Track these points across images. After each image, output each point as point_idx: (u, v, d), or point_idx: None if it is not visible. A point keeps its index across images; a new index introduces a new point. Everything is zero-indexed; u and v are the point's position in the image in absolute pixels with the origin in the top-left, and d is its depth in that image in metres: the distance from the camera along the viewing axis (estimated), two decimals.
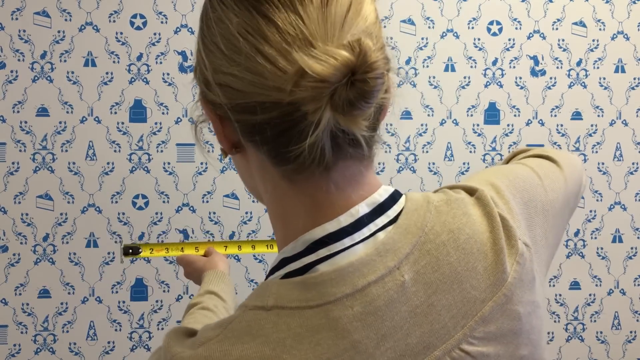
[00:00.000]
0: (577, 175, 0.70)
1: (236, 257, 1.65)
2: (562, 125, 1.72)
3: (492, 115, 1.70)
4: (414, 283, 0.51)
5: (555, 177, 0.65)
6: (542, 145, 1.72)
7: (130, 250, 1.15)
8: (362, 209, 0.53)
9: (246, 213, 1.64)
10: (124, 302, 1.62)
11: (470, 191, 0.57)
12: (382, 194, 0.54)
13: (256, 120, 0.49)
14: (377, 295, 0.50)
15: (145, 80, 1.60)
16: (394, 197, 0.55)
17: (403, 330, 0.50)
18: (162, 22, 1.60)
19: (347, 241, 0.51)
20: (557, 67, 1.71)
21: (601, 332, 1.77)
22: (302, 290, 0.50)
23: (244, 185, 0.61)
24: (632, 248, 1.77)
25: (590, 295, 1.76)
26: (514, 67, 1.69)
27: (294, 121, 0.48)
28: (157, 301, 1.63)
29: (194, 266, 1.10)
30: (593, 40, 1.72)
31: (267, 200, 0.56)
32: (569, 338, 1.76)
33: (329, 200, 0.52)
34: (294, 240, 0.53)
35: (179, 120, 1.61)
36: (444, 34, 1.67)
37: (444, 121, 1.68)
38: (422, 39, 1.67)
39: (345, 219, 0.52)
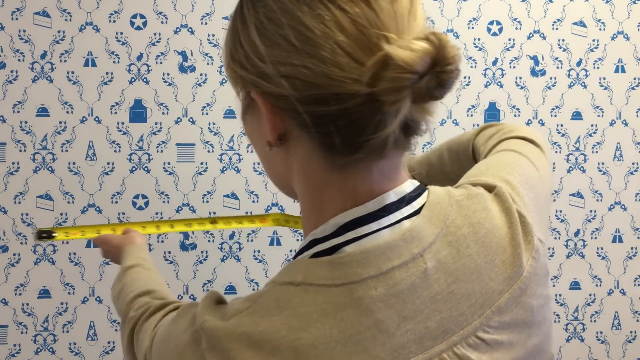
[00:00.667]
0: (550, 156, 0.73)
1: (236, 257, 1.65)
2: (562, 125, 1.72)
3: (492, 115, 1.70)
4: (436, 271, 0.54)
5: (545, 166, 0.69)
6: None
7: (44, 235, 1.11)
8: (390, 197, 0.55)
9: (246, 213, 1.64)
10: None
11: (489, 188, 0.60)
12: (408, 185, 0.57)
13: (327, 111, 0.51)
14: (401, 279, 0.52)
15: (145, 80, 1.60)
16: (419, 189, 0.58)
17: (423, 314, 0.53)
18: (162, 22, 1.60)
19: (374, 225, 0.54)
20: (557, 67, 1.71)
21: (601, 332, 1.77)
22: (329, 269, 0.52)
23: (271, 177, 0.62)
24: (632, 248, 1.77)
25: (590, 295, 1.76)
26: (514, 67, 1.69)
27: (370, 111, 0.50)
28: None
29: (111, 244, 1.09)
30: (593, 40, 1.72)
31: (301, 190, 0.58)
32: (569, 338, 1.76)
33: (370, 188, 0.55)
34: (322, 225, 0.55)
35: (179, 120, 1.61)
36: (444, 34, 1.67)
37: (444, 121, 1.68)
38: None
39: (373, 205, 0.54)
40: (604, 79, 1.73)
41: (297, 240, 1.66)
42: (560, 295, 1.75)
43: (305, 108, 0.51)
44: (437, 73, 0.49)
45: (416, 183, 0.58)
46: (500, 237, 0.57)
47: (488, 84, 1.69)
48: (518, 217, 0.58)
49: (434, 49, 0.49)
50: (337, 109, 0.50)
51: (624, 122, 1.74)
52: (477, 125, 1.68)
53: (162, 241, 1.62)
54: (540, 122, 1.71)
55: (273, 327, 0.51)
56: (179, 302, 0.74)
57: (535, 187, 0.63)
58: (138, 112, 1.60)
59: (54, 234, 1.11)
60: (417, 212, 0.56)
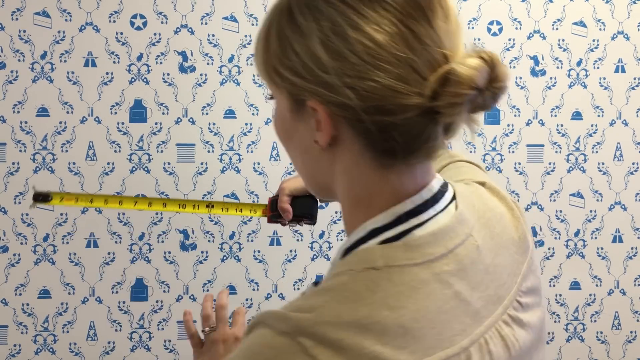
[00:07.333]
0: None
1: (236, 257, 1.65)
2: (562, 125, 1.72)
3: (492, 115, 1.70)
4: (483, 247, 0.62)
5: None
6: (543, 146, 1.72)
7: (41, 197, 1.14)
8: (434, 186, 0.62)
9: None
10: (124, 302, 1.62)
11: (480, 183, 0.71)
12: (440, 177, 0.65)
13: (390, 121, 0.56)
14: (464, 255, 0.60)
15: (145, 80, 1.60)
16: (446, 181, 0.65)
17: (484, 284, 0.61)
18: (162, 22, 1.60)
19: (431, 212, 0.60)
20: (557, 67, 1.71)
21: (601, 332, 1.77)
22: (405, 251, 0.58)
23: (307, 176, 0.67)
24: (632, 248, 1.77)
25: (590, 295, 1.76)
26: (514, 67, 1.69)
27: (428, 121, 0.56)
28: (157, 301, 1.63)
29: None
30: (593, 40, 1.72)
31: (346, 188, 0.62)
32: (569, 338, 1.76)
33: (415, 182, 0.61)
34: (380, 214, 0.60)
35: (179, 120, 1.61)
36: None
37: None
38: None
39: (426, 194, 0.61)
40: (604, 79, 1.73)
41: (297, 240, 1.66)
42: (560, 295, 1.75)
43: (369, 117, 0.55)
44: (491, 88, 0.55)
45: (441, 176, 0.65)
46: (508, 219, 0.67)
47: None
48: (513, 203, 0.69)
49: (489, 66, 0.54)
50: (399, 119, 0.55)
51: (624, 122, 1.74)
52: None
53: (163, 241, 1.62)
54: (540, 122, 1.71)
55: (374, 310, 0.54)
56: None
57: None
58: (138, 112, 1.60)
59: (50, 198, 1.14)
60: (453, 199, 0.63)
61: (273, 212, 1.17)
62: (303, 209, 1.16)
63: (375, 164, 0.59)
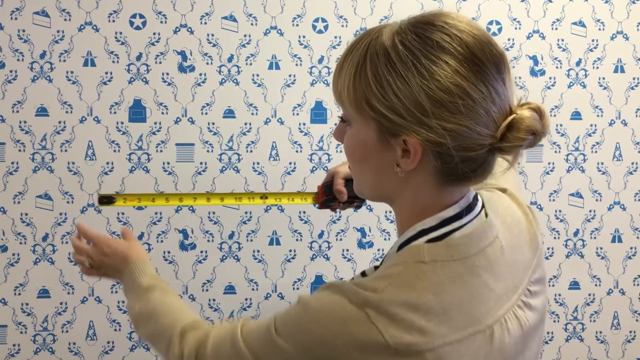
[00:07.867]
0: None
1: (236, 257, 1.65)
2: (561, 125, 1.72)
3: None
4: (506, 247, 0.78)
5: (517, 180, 1.01)
6: (542, 146, 1.72)
7: (105, 200, 1.22)
8: (469, 197, 0.79)
9: (245, 213, 1.64)
10: (123, 302, 1.62)
11: (502, 190, 0.88)
12: (472, 189, 0.81)
13: (469, 155, 0.72)
14: (490, 254, 0.76)
15: (144, 80, 1.60)
16: (475, 191, 0.82)
17: (504, 276, 0.77)
18: (161, 22, 1.60)
19: (467, 218, 0.77)
20: (557, 67, 1.71)
21: (601, 332, 1.77)
22: (446, 249, 0.74)
23: (371, 190, 0.80)
24: (631, 248, 1.77)
25: (589, 295, 1.76)
26: (514, 67, 1.69)
27: (492, 155, 0.74)
28: None
29: (113, 248, 1.09)
30: (592, 40, 1.72)
31: (408, 202, 0.78)
32: (569, 338, 1.76)
33: (460, 193, 0.78)
34: (428, 218, 0.77)
35: (179, 120, 1.61)
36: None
37: None
38: None
39: (464, 202, 0.78)
40: (603, 78, 1.73)
41: (297, 240, 1.66)
42: (559, 295, 1.75)
43: (456, 153, 0.72)
44: (540, 133, 0.72)
45: None
46: (523, 223, 0.84)
47: None
48: (529, 209, 0.86)
49: (540, 116, 0.72)
50: (475, 154, 0.72)
51: (623, 122, 1.74)
52: None
53: (162, 241, 1.62)
54: None
55: (422, 294, 0.71)
56: (235, 321, 0.86)
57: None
58: (137, 112, 1.60)
59: (114, 200, 1.23)
60: (483, 206, 0.80)
61: (328, 196, 1.26)
62: None
63: (440, 184, 0.75)
